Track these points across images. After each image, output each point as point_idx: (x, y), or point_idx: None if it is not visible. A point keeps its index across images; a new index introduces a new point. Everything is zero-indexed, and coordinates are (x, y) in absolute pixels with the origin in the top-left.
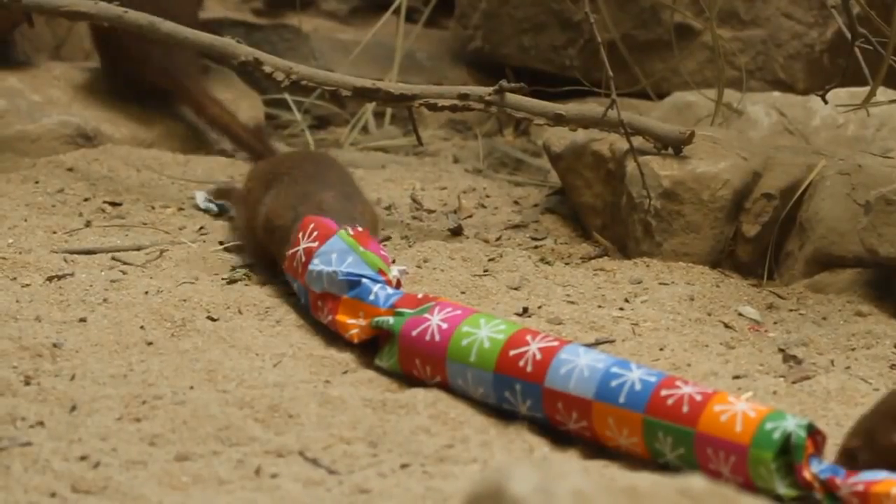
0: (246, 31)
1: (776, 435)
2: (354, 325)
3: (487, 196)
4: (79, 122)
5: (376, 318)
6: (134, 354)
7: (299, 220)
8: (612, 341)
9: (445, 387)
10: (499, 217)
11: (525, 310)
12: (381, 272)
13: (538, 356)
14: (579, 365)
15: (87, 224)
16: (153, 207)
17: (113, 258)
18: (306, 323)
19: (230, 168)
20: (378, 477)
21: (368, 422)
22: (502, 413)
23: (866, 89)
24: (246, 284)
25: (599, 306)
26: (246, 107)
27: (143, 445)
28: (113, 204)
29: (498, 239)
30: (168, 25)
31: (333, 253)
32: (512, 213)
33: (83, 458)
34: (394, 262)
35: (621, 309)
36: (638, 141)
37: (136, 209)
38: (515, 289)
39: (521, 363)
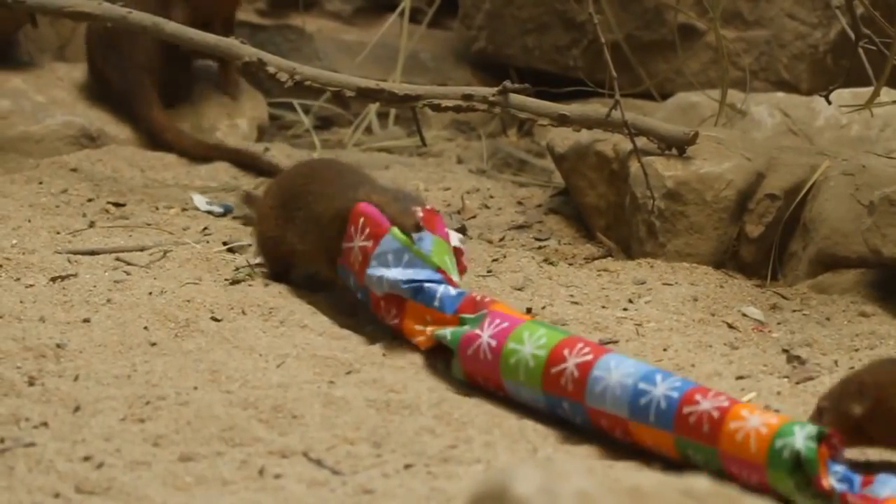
0: (250, 31)
1: (786, 454)
2: (421, 333)
3: (491, 196)
4: (83, 123)
5: (437, 332)
6: (138, 355)
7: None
8: (615, 342)
9: (511, 399)
10: (502, 218)
11: (529, 311)
12: (439, 270)
13: (575, 374)
14: (611, 383)
15: (91, 225)
16: (157, 208)
17: (117, 258)
18: (310, 323)
19: (233, 169)
20: (382, 477)
21: (372, 422)
22: (506, 413)
23: (870, 90)
24: (249, 285)
25: (603, 307)
26: (249, 107)
27: (146, 446)
28: (116, 204)
29: (501, 239)
30: (172, 26)
31: (389, 254)
32: (515, 214)
33: (87, 458)
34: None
35: (625, 309)
36: (642, 141)
37: (139, 210)
38: (519, 289)
39: (563, 382)
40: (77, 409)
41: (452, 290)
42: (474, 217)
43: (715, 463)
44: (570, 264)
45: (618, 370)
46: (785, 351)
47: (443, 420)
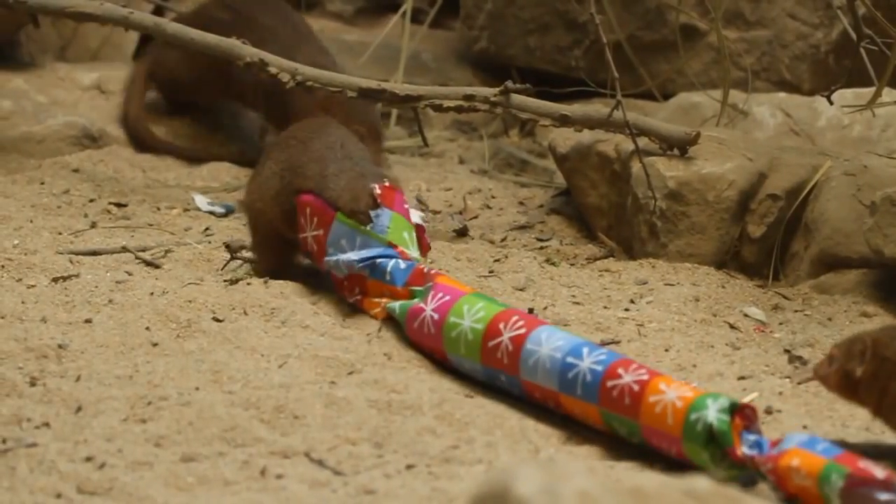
0: None
1: (699, 427)
2: (377, 304)
3: (493, 197)
4: (84, 124)
5: (388, 305)
6: (139, 355)
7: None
8: (617, 342)
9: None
10: (504, 218)
11: (531, 311)
12: (391, 244)
13: (510, 347)
14: (542, 355)
15: (93, 225)
16: (158, 208)
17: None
18: (312, 324)
19: (234, 169)
20: (383, 478)
21: (374, 423)
22: (507, 414)
23: (872, 90)
24: (248, 283)
25: (605, 307)
26: None
27: (148, 446)
28: (118, 205)
29: (503, 240)
30: (173, 27)
31: (342, 239)
32: (517, 214)
33: (89, 458)
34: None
35: (627, 310)
36: (643, 142)
37: (141, 210)
38: (521, 290)
39: (499, 355)
40: (79, 409)
41: (402, 264)
42: (476, 217)
43: (637, 436)
44: (572, 265)
45: (548, 343)
46: (787, 351)
47: (444, 420)
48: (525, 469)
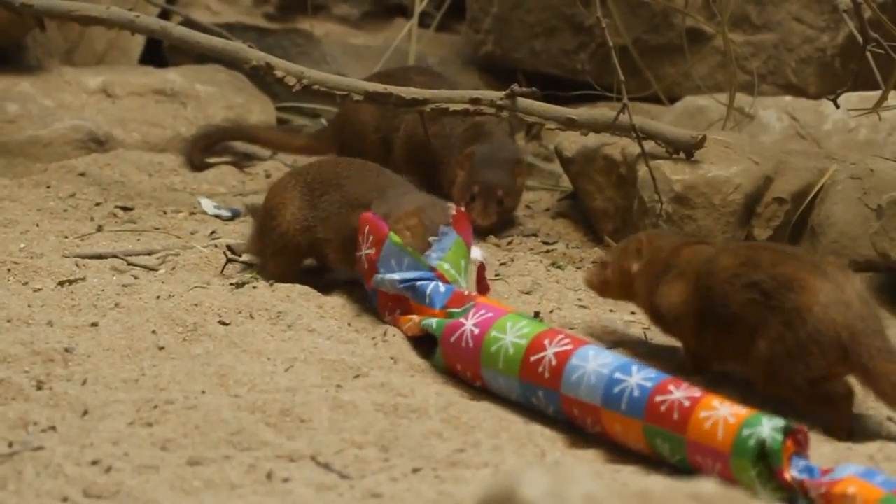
0: (258, 35)
1: (752, 442)
2: (408, 319)
3: None
4: (90, 127)
5: (424, 321)
6: (146, 359)
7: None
8: (623, 346)
9: (488, 389)
10: (510, 221)
11: (537, 314)
12: (432, 269)
13: (553, 362)
14: (588, 371)
15: (99, 229)
16: (165, 212)
17: (126, 255)
18: (318, 327)
19: (240, 174)
20: (390, 481)
21: (380, 426)
22: (513, 417)
23: (878, 93)
24: (255, 287)
25: (611, 310)
26: (257, 111)
27: (154, 450)
28: (125, 208)
29: (509, 243)
30: (179, 30)
31: (391, 259)
32: (524, 218)
33: (95, 462)
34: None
35: (633, 313)
36: (649, 145)
37: (147, 214)
38: (527, 293)
39: (540, 370)
40: (85, 413)
41: (442, 287)
42: None
43: (680, 451)
44: (578, 268)
45: (595, 360)
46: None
47: (450, 424)
48: (531, 472)
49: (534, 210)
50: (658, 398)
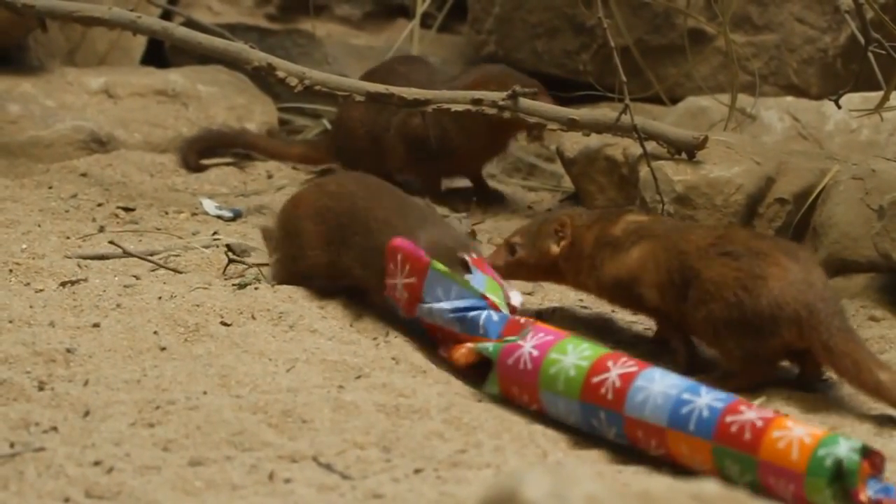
0: (259, 36)
1: (828, 462)
2: (462, 346)
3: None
4: (92, 128)
5: (479, 346)
6: (147, 360)
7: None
8: (624, 346)
9: (545, 414)
10: (512, 222)
11: (539, 315)
12: (483, 297)
13: (617, 383)
14: (653, 392)
15: (101, 229)
16: (166, 213)
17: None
18: (319, 328)
19: (241, 174)
20: (391, 482)
21: (382, 427)
22: (515, 418)
23: (880, 94)
24: (256, 288)
25: (613, 311)
26: (259, 112)
27: (156, 451)
28: (126, 209)
29: None
30: (181, 31)
31: (438, 288)
32: (525, 218)
33: (97, 463)
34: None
35: (635, 314)
36: (651, 146)
37: (149, 214)
38: (529, 294)
39: (603, 391)
40: (87, 413)
41: (495, 316)
42: (483, 222)
43: (751, 473)
44: None
45: (662, 381)
46: None
47: (452, 424)
48: (533, 473)
49: (535, 211)
50: (729, 418)
